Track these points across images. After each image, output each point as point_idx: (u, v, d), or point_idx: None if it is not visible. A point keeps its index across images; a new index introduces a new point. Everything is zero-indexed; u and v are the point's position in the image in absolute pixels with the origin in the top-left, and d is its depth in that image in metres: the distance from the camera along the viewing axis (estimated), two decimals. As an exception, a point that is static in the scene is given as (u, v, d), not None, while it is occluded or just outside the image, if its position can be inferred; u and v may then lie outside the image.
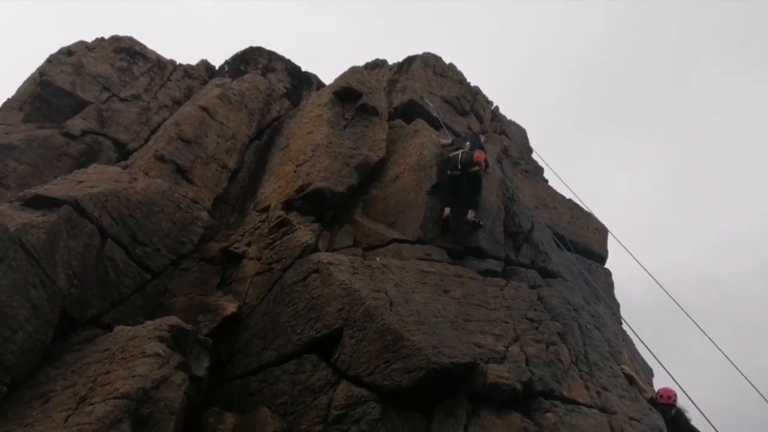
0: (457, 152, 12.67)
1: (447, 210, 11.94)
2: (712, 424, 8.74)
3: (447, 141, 13.69)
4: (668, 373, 9.65)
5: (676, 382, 9.50)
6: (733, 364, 10.39)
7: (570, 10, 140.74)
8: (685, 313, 11.59)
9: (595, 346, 10.02)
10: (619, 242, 15.21)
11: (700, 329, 11.19)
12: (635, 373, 9.73)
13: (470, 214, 11.92)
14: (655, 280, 12.59)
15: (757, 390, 9.66)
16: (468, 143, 12.90)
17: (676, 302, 11.89)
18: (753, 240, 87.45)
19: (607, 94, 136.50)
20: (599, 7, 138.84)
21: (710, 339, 10.93)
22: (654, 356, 9.92)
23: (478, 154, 12.48)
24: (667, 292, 12.17)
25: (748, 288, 77.27)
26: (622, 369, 9.59)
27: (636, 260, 13.25)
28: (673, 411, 9.33)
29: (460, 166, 12.34)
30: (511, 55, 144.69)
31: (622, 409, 8.77)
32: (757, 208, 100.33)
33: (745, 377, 10.06)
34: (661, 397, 9.34)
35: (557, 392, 8.26)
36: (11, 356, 8.30)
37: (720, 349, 10.70)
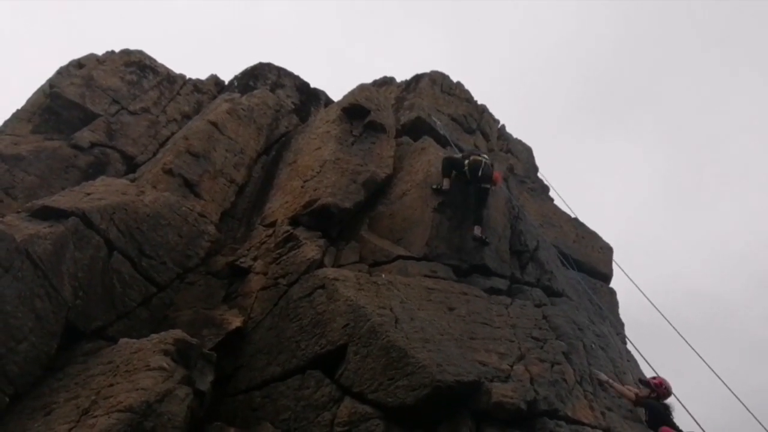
0: (480, 158, 12.73)
1: (477, 229, 12.03)
2: None
3: (458, 156, 13.72)
4: (673, 393, 9.61)
5: (681, 402, 9.47)
6: (725, 384, 10.42)
7: (560, 9, 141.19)
8: (683, 337, 11.61)
9: (599, 365, 9.96)
10: (621, 268, 15.27)
11: (696, 353, 11.24)
12: (610, 378, 9.68)
13: (476, 230, 11.94)
14: (654, 306, 12.65)
15: (749, 411, 9.66)
16: (487, 156, 13.03)
17: (674, 327, 11.91)
18: (746, 254, 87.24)
19: (593, 99, 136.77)
20: (593, 8, 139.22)
21: (706, 362, 10.98)
22: (658, 375, 9.89)
23: (498, 174, 12.66)
24: (666, 318, 12.20)
25: (743, 303, 77.13)
26: (597, 377, 9.52)
27: (638, 288, 13.31)
28: (653, 393, 9.35)
29: (479, 174, 12.41)
30: (497, 56, 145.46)
31: (627, 430, 8.70)
32: (751, 221, 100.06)
33: (737, 398, 10.08)
34: (659, 385, 9.36)
35: (562, 412, 8.19)
36: (14, 367, 8.29)
37: (716, 373, 10.74)
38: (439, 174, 13.11)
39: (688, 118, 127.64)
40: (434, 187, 12.66)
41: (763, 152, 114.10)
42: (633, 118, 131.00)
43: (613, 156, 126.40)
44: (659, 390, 9.44)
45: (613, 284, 17.55)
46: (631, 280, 13.70)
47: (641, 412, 9.33)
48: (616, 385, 9.57)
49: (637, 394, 9.46)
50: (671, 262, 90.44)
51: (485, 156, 13.06)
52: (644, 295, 12.93)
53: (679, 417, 9.39)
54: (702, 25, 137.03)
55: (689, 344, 11.28)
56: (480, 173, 12.38)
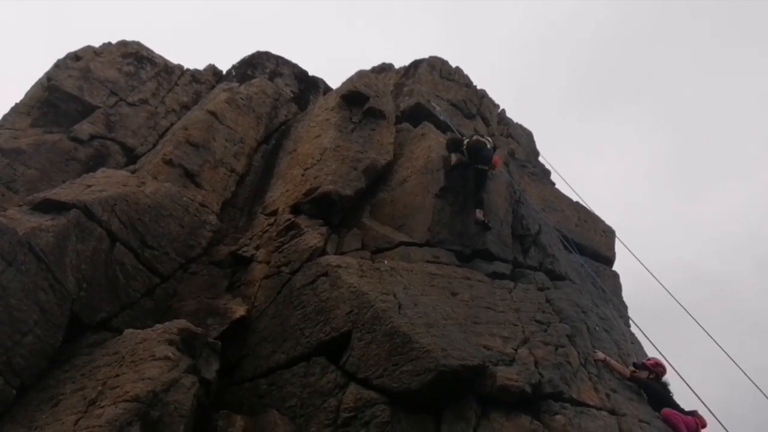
0: (484, 139, 12.78)
1: (479, 212, 12.03)
2: (721, 423, 8.78)
3: (460, 136, 13.75)
4: (677, 373, 9.67)
5: (686, 382, 9.52)
6: (732, 359, 10.48)
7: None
8: (694, 319, 11.68)
9: (603, 348, 9.97)
10: (627, 247, 15.28)
11: (708, 334, 11.32)
12: (607, 356, 9.71)
13: (478, 214, 11.94)
14: (661, 283, 12.64)
15: (759, 388, 9.69)
16: (490, 139, 13.09)
17: (685, 309, 11.99)
18: (749, 235, 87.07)
19: (594, 78, 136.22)
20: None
21: (714, 339, 11.01)
22: (664, 357, 9.94)
23: (498, 158, 12.69)
24: (676, 300, 12.23)
25: (745, 284, 77.13)
26: (594, 356, 9.53)
27: (647, 269, 13.32)
28: (651, 374, 9.40)
29: (479, 153, 12.48)
30: (496, 38, 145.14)
31: (632, 411, 8.70)
32: (753, 201, 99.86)
33: (745, 373, 10.14)
34: (656, 365, 9.44)
35: (566, 394, 8.20)
36: (20, 359, 8.32)
37: (723, 349, 10.80)
38: (440, 159, 13.13)
39: (688, 100, 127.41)
40: (448, 169, 12.77)
41: (765, 132, 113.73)
42: (632, 100, 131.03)
43: (612, 139, 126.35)
44: (657, 369, 9.50)
45: (615, 267, 17.57)
46: (635, 257, 13.72)
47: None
48: (612, 362, 9.60)
49: (633, 372, 9.51)
50: (672, 243, 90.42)
51: (488, 139, 13.08)
52: (650, 273, 12.98)
53: (680, 394, 9.46)
54: (703, 7, 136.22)
55: (697, 321, 11.34)
56: (481, 153, 12.41)
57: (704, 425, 8.85)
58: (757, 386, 9.68)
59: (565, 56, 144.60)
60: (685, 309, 11.75)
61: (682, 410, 8.99)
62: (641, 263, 13.50)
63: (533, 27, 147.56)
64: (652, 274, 13.03)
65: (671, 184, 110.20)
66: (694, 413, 8.95)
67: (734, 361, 10.45)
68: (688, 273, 78.14)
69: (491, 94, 21.91)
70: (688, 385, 9.51)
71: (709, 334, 11.08)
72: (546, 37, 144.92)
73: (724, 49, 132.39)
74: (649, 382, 9.37)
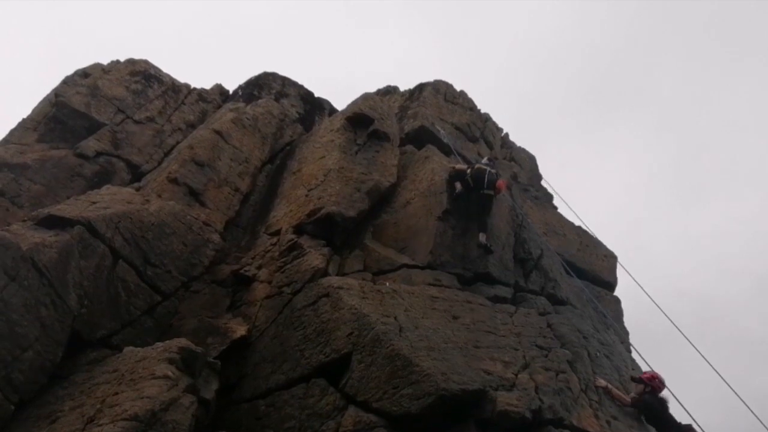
0: (485, 167, 12.87)
1: (482, 236, 12.16)
2: None
3: (463, 166, 13.79)
4: (678, 400, 9.61)
5: (686, 410, 9.45)
6: (728, 384, 10.44)
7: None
8: (694, 346, 11.58)
9: (604, 374, 9.95)
10: (629, 273, 15.22)
11: (701, 354, 11.20)
12: (609, 383, 9.67)
13: (482, 237, 12.00)
14: (660, 308, 12.62)
15: (753, 413, 9.66)
16: (491, 167, 13.14)
17: (680, 330, 11.89)
18: (744, 255, 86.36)
19: (596, 86, 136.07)
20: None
21: (710, 364, 10.95)
22: (650, 371, 9.89)
23: (502, 183, 12.78)
24: (671, 319, 12.18)
25: (742, 305, 76.54)
26: (596, 383, 9.49)
27: (649, 296, 13.27)
28: (647, 388, 9.37)
29: (483, 182, 12.54)
30: (493, 44, 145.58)
31: (632, 439, 8.69)
32: (746, 222, 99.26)
33: (741, 399, 10.10)
34: (652, 379, 9.42)
35: (567, 421, 8.16)
36: (20, 375, 8.29)
37: (720, 374, 10.73)
38: (443, 182, 13.18)
39: (681, 120, 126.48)
40: (454, 195, 12.83)
41: (760, 151, 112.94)
42: (623, 120, 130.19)
43: (611, 149, 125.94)
44: (653, 383, 9.46)
45: (618, 287, 17.51)
46: (639, 285, 13.66)
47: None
48: (614, 390, 9.57)
49: (633, 398, 9.48)
50: (667, 263, 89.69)
51: (491, 167, 13.14)
52: (653, 300, 12.92)
53: (678, 415, 9.42)
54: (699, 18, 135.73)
55: (694, 346, 11.28)
56: (484, 180, 12.52)
57: None
58: (757, 416, 9.61)
59: (565, 65, 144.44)
60: (684, 335, 11.70)
61: (679, 425, 9.01)
62: (643, 289, 13.46)
63: (533, 35, 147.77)
64: (654, 301, 12.99)
65: (672, 195, 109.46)
66: (689, 428, 8.98)
67: (735, 391, 10.39)
68: (682, 293, 77.62)
69: (491, 100, 22.04)
70: (687, 411, 9.46)
71: (708, 361, 11.02)
72: (547, 45, 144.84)
73: (724, 59, 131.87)
74: (646, 398, 9.33)
